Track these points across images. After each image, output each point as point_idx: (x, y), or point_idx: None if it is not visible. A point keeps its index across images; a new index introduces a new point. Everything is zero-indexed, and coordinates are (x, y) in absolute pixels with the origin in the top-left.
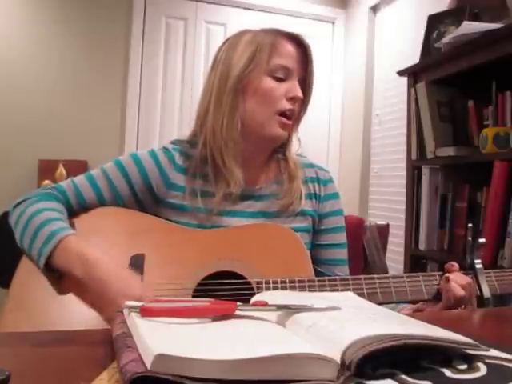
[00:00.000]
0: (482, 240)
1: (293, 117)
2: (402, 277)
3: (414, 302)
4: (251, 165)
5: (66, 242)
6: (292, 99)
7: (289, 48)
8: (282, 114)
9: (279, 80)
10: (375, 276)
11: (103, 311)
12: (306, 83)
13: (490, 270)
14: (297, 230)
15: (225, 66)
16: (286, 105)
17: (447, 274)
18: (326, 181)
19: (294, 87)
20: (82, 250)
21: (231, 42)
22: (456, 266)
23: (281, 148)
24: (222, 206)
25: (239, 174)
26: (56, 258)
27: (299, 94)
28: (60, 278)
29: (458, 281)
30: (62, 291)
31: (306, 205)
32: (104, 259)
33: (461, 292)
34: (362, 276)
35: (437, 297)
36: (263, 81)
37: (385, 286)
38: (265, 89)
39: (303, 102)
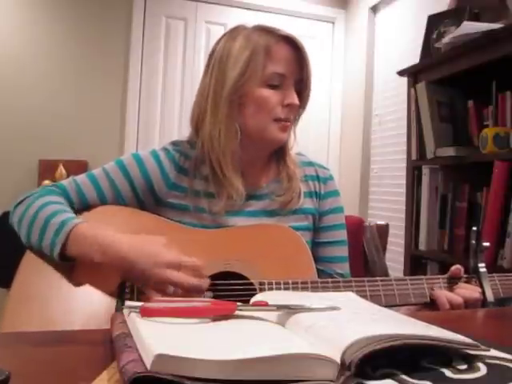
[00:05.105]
0: (486, 244)
1: (290, 121)
2: (406, 279)
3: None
4: (252, 169)
5: (78, 230)
6: (288, 106)
7: (283, 52)
8: (279, 120)
9: (275, 87)
10: (378, 278)
11: (139, 280)
12: (303, 85)
13: (494, 274)
14: (298, 228)
15: (220, 72)
16: (281, 113)
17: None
18: (325, 178)
19: (289, 94)
20: (95, 234)
21: (225, 44)
22: (461, 270)
23: (279, 148)
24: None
25: (239, 185)
26: (70, 247)
27: (295, 101)
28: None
29: (448, 296)
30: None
31: (307, 203)
32: (119, 236)
33: (446, 305)
34: (365, 278)
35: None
36: (259, 90)
37: (388, 289)
38: (261, 98)
39: (301, 104)
